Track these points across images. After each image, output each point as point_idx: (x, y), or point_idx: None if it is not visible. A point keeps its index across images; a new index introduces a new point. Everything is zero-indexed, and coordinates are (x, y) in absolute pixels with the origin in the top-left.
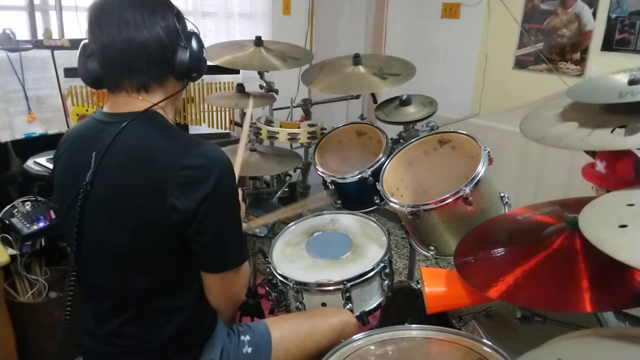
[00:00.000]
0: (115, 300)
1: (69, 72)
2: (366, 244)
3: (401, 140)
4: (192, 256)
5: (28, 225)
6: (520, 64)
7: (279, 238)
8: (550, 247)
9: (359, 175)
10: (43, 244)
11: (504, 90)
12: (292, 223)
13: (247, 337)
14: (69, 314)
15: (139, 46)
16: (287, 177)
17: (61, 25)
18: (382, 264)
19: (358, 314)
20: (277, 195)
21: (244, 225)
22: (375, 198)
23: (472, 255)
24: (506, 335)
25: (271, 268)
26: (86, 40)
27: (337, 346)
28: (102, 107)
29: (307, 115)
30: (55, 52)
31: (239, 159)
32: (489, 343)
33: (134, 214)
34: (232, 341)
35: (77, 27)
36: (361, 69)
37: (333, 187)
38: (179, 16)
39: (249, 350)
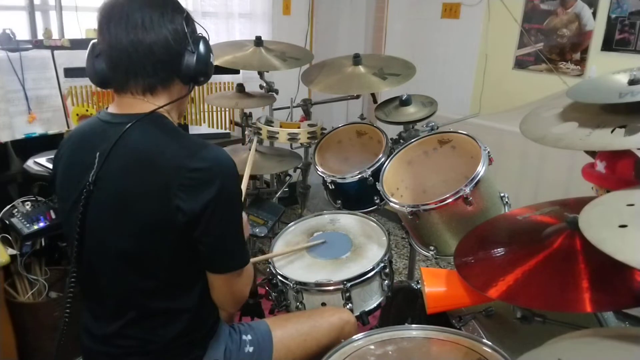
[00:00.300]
0: (117, 301)
1: (69, 72)
2: (366, 244)
3: (401, 140)
4: (195, 257)
5: (28, 225)
6: (520, 64)
7: (279, 238)
8: (550, 247)
9: (359, 175)
10: (43, 244)
11: (504, 90)
12: (292, 223)
13: (249, 337)
14: (68, 315)
15: (146, 49)
16: (287, 177)
17: (61, 25)
18: (382, 264)
19: (358, 314)
20: (277, 195)
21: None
22: (375, 198)
23: (472, 255)
24: (506, 335)
25: (271, 268)
26: (95, 40)
27: (337, 346)
28: (106, 108)
29: (307, 115)
30: (55, 52)
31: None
32: (489, 343)
33: (138, 215)
34: (234, 340)
35: (77, 27)
36: (361, 69)
37: (333, 187)
38: (188, 19)
39: (251, 349)
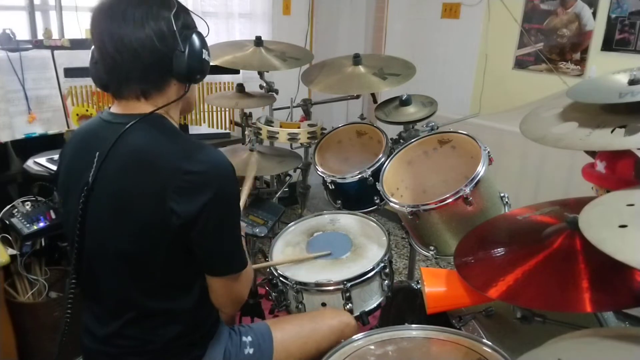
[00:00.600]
0: (116, 301)
1: (69, 72)
2: (366, 244)
3: (401, 140)
4: (192, 259)
5: (28, 225)
6: (520, 64)
7: (279, 238)
8: (550, 247)
9: (359, 175)
10: (43, 244)
11: (504, 90)
12: (292, 223)
13: (249, 338)
14: (69, 315)
15: (131, 53)
16: (287, 177)
17: (61, 25)
18: (382, 264)
19: (358, 314)
20: (277, 195)
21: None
22: (375, 198)
23: (472, 255)
24: (506, 335)
25: (271, 268)
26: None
27: (337, 346)
28: (109, 107)
29: (307, 115)
30: (55, 52)
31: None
32: (489, 343)
33: (135, 215)
34: (233, 342)
35: (77, 27)
36: (361, 69)
37: (333, 187)
38: (178, 14)
39: (251, 351)
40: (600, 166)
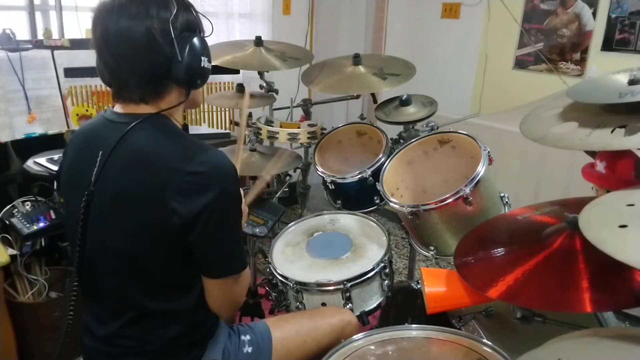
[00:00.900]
0: (116, 301)
1: (69, 72)
2: (366, 244)
3: (401, 140)
4: (193, 260)
5: (28, 225)
6: (520, 64)
7: (279, 238)
8: (550, 247)
9: (359, 175)
10: (43, 244)
11: (504, 90)
12: (292, 223)
13: (248, 337)
14: (71, 316)
15: (129, 63)
16: (287, 177)
17: (61, 25)
18: (382, 264)
19: (358, 314)
20: (277, 195)
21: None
22: (375, 198)
23: (472, 255)
24: (506, 335)
25: (271, 268)
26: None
27: (337, 346)
28: (113, 106)
29: (307, 115)
30: (55, 52)
31: (238, 157)
32: (489, 343)
33: (136, 215)
34: (232, 341)
35: (77, 27)
36: (361, 69)
37: (333, 187)
38: (177, 17)
39: (250, 349)
40: (600, 166)
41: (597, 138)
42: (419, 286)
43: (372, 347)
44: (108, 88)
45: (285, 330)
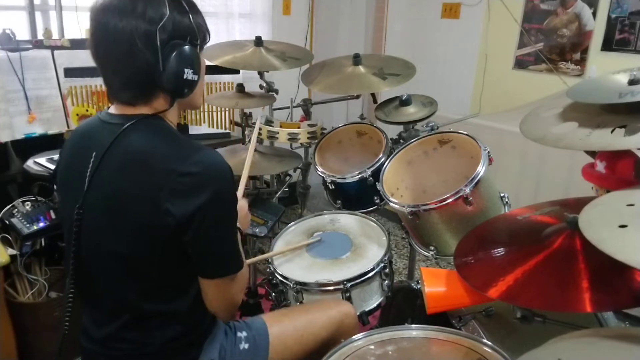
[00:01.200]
0: (112, 303)
1: (69, 72)
2: (366, 244)
3: (401, 140)
4: (188, 260)
5: (28, 225)
6: (520, 64)
7: (279, 238)
8: (550, 247)
9: (359, 175)
10: (43, 244)
11: (504, 90)
12: (292, 223)
13: (244, 333)
14: (68, 317)
15: (114, 68)
16: (287, 177)
17: (61, 25)
18: (382, 264)
19: (358, 314)
20: (277, 195)
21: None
22: (375, 198)
23: (472, 255)
24: (506, 335)
25: (271, 268)
26: None
27: (337, 346)
28: (108, 107)
29: (307, 115)
30: (55, 52)
31: (245, 173)
32: (489, 343)
33: (130, 216)
34: (229, 339)
35: (77, 27)
36: (361, 69)
37: (333, 187)
38: (165, 27)
39: (246, 346)
40: (600, 166)
41: (597, 138)
42: (419, 286)
43: (372, 347)
44: None
45: (282, 325)
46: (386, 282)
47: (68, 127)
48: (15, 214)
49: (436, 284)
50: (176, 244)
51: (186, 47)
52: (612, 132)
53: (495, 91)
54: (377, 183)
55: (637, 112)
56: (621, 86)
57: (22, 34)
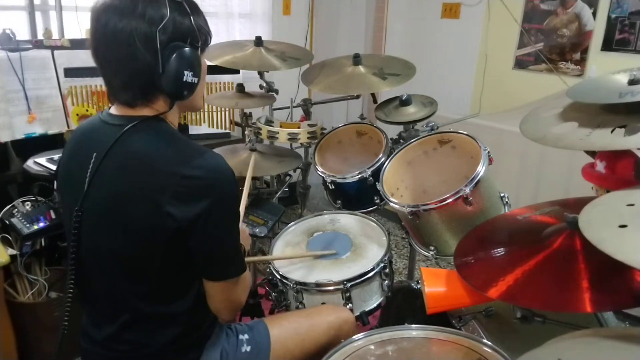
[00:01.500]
0: (111, 304)
1: (69, 72)
2: (366, 244)
3: (401, 140)
4: (188, 264)
5: (28, 225)
6: (520, 64)
7: (279, 238)
8: (550, 247)
9: (359, 175)
10: (43, 244)
11: (504, 90)
12: (292, 223)
13: (246, 336)
14: (67, 317)
15: (114, 68)
16: (287, 177)
17: (61, 25)
18: (382, 264)
19: (358, 314)
20: (277, 195)
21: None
22: (375, 198)
23: (472, 255)
24: (506, 335)
25: (271, 268)
26: None
27: (337, 346)
28: (109, 107)
29: (307, 115)
30: (55, 52)
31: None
32: (489, 343)
33: (130, 218)
34: (230, 341)
35: (77, 27)
36: (361, 69)
37: (333, 187)
38: (165, 28)
39: (248, 348)
40: (600, 166)
41: (597, 138)
42: (419, 286)
43: (372, 347)
44: None
45: (283, 328)
46: (386, 282)
47: (68, 127)
48: (15, 214)
49: (436, 284)
50: (177, 246)
51: (186, 49)
52: (612, 132)
53: (495, 91)
54: (377, 183)
55: (637, 112)
56: (621, 86)
57: (22, 34)
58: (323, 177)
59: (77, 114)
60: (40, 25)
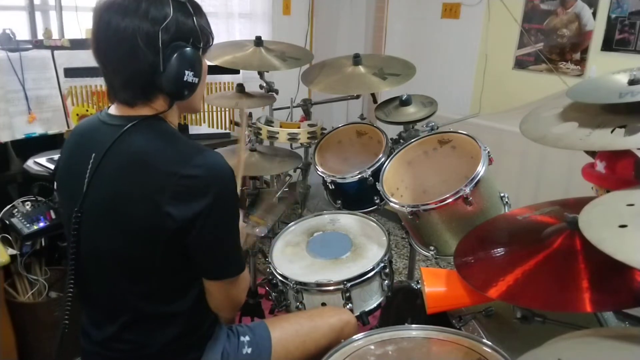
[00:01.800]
0: (110, 304)
1: (69, 72)
2: (366, 244)
3: (401, 140)
4: (188, 263)
5: (28, 225)
6: (520, 64)
7: (279, 238)
8: (550, 247)
9: (359, 175)
10: (43, 244)
11: (504, 90)
12: (292, 223)
13: (247, 338)
14: (67, 317)
15: (115, 68)
16: (287, 177)
17: (61, 25)
18: (382, 264)
19: (358, 314)
20: (277, 195)
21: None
22: (375, 198)
23: (472, 255)
24: (506, 335)
25: (271, 268)
26: None
27: (337, 346)
28: (108, 107)
29: (307, 115)
30: (55, 52)
31: (241, 164)
32: (489, 343)
33: (130, 218)
34: (231, 342)
35: (77, 27)
36: (361, 69)
37: (333, 187)
38: (169, 24)
39: (249, 350)
40: (600, 166)
41: (597, 138)
42: (419, 286)
43: (372, 347)
44: None
45: (284, 330)
46: (386, 282)
47: (68, 127)
48: (15, 214)
49: (436, 284)
50: (177, 246)
51: (188, 49)
52: (612, 132)
53: (495, 91)
54: (377, 183)
55: (637, 112)
56: (621, 86)
57: (22, 34)
58: (323, 177)
59: (77, 114)
60: (40, 25)
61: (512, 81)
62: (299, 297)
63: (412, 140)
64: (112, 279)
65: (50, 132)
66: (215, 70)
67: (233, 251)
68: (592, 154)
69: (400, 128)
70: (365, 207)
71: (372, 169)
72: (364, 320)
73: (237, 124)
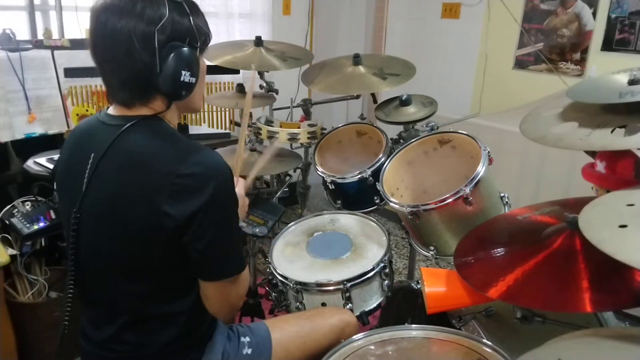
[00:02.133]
0: (110, 305)
1: (69, 72)
2: (366, 244)
3: (401, 140)
4: (188, 263)
5: (28, 225)
6: (520, 64)
7: (279, 238)
8: (550, 247)
9: (359, 175)
10: (43, 244)
11: (504, 90)
12: (292, 223)
13: (247, 339)
14: (68, 317)
15: (111, 70)
16: (287, 177)
17: (61, 25)
18: (382, 264)
19: (358, 314)
20: (277, 195)
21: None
22: (375, 198)
23: (472, 255)
24: (506, 335)
25: (271, 268)
26: None
27: (337, 346)
28: (107, 108)
29: (307, 115)
30: (55, 52)
31: (239, 157)
32: (489, 343)
33: (129, 219)
34: (232, 343)
35: (77, 27)
36: (361, 69)
37: (333, 187)
38: (164, 28)
39: (249, 351)
40: (600, 166)
41: (597, 138)
42: (419, 286)
43: (372, 347)
44: None
45: (284, 331)
46: (386, 282)
47: (68, 127)
48: (15, 214)
49: (436, 284)
50: (176, 245)
51: (184, 49)
52: (612, 132)
53: (495, 91)
54: (377, 183)
55: (637, 112)
56: (621, 86)
57: (22, 34)
58: (323, 177)
59: (77, 114)
60: (40, 25)
61: (512, 81)
62: (299, 297)
63: (412, 140)
64: (111, 279)
65: (50, 132)
66: (215, 70)
67: (233, 250)
68: (592, 154)
69: (400, 128)
70: (365, 207)
71: (372, 169)
72: (364, 320)
73: (237, 124)
